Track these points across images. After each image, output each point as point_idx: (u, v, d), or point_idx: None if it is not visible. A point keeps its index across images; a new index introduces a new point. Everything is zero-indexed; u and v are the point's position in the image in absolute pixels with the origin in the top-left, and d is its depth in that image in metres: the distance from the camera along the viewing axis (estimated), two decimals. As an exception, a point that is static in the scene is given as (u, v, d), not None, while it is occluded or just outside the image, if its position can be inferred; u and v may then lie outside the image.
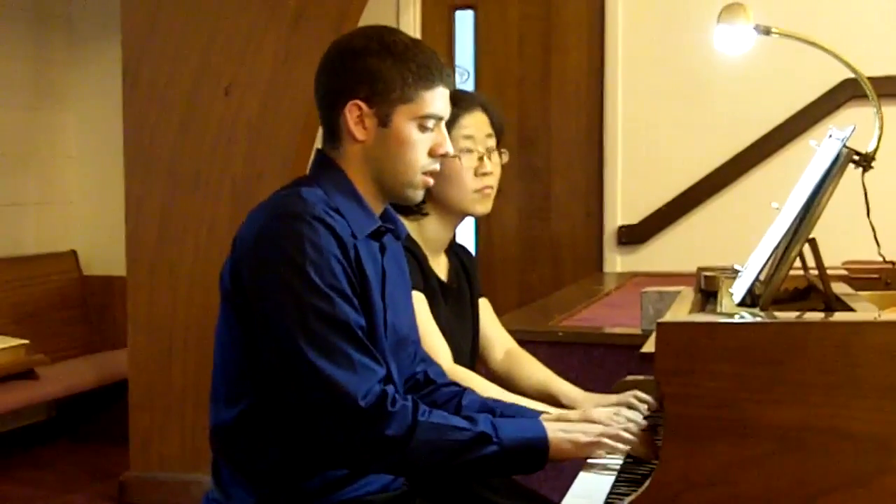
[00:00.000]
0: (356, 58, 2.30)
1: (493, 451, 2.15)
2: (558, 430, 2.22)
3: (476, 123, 2.85)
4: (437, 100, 2.33)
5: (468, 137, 2.83)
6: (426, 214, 2.87)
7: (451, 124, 2.72)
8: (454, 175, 2.81)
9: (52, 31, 7.15)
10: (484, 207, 2.88)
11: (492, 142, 2.88)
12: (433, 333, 2.77)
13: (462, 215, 2.91)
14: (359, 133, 2.31)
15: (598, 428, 2.24)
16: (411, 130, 2.31)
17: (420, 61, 2.30)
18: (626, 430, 2.25)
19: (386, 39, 2.31)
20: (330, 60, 2.36)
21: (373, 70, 2.28)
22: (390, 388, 2.16)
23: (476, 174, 2.83)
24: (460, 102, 2.80)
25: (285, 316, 2.15)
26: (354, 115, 2.30)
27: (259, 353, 2.23)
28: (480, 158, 2.84)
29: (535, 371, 2.96)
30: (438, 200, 2.84)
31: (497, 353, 3.05)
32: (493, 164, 2.87)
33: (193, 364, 5.35)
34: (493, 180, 2.87)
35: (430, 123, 2.33)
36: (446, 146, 2.37)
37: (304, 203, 2.22)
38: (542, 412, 2.46)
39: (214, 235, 5.29)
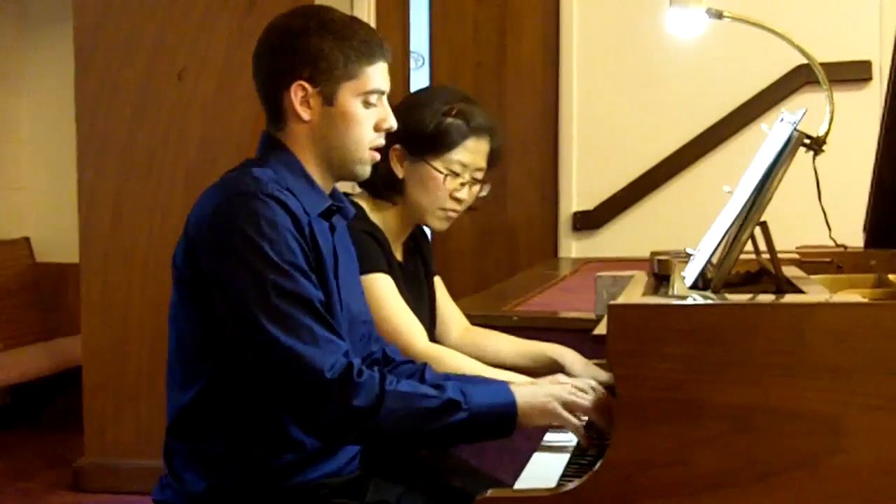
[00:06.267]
0: (296, 38, 2.32)
1: (463, 417, 2.15)
2: (527, 395, 2.22)
3: (476, 151, 2.87)
4: (378, 74, 2.35)
5: (462, 164, 2.85)
6: (395, 203, 2.87)
7: (456, 142, 2.80)
8: (431, 186, 2.84)
9: (3, 14, 7.07)
10: (441, 225, 2.93)
11: (480, 174, 2.91)
12: (406, 314, 2.79)
13: (420, 221, 2.93)
14: (304, 113, 2.32)
15: (566, 390, 2.25)
16: (356, 107, 2.33)
17: (360, 37, 2.33)
18: (589, 399, 2.25)
19: (324, 18, 2.34)
20: (269, 42, 2.37)
21: (314, 49, 2.30)
22: (356, 360, 2.16)
23: (451, 196, 2.86)
24: (474, 121, 2.84)
25: (246, 295, 2.14)
26: (299, 96, 2.31)
27: (214, 334, 2.23)
28: (463, 184, 2.86)
29: (505, 340, 3.02)
30: (407, 199, 2.86)
31: (454, 330, 3.08)
32: (470, 195, 2.90)
33: (148, 350, 5.32)
34: (462, 207, 2.91)
35: (374, 98, 2.35)
36: (390, 120, 2.39)
37: (256, 182, 2.23)
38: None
39: (168, 221, 5.26)
